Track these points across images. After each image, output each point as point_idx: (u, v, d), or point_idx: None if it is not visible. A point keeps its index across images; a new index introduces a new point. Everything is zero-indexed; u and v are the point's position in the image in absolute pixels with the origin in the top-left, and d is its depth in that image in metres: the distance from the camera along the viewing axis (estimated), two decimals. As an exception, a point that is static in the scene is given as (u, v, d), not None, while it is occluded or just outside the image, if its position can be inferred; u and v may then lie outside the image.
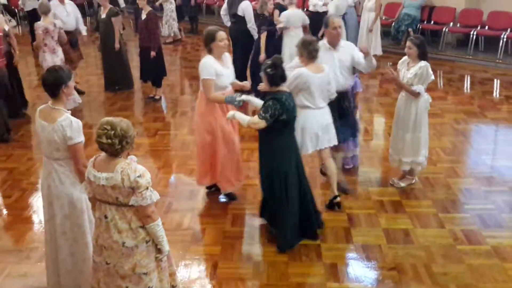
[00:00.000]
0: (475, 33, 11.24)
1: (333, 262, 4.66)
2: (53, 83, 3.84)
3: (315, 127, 5.18)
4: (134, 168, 3.29)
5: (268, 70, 4.59)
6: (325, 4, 10.74)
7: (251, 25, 8.92)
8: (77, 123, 3.82)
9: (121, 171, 3.26)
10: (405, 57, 5.70)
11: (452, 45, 12.03)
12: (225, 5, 9.39)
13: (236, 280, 4.45)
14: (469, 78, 10.25)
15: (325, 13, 10.12)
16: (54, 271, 4.12)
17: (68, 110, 3.91)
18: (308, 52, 5.06)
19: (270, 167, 4.77)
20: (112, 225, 3.37)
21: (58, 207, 3.96)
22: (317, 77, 5.06)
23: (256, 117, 4.61)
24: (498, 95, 9.35)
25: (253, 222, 5.35)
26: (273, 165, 4.73)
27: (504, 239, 4.91)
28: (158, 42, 8.89)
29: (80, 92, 9.11)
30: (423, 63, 5.48)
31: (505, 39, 10.88)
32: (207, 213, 5.56)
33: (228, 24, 9.34)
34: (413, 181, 5.92)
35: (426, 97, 5.62)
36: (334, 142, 5.38)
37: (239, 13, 8.93)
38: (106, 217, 3.40)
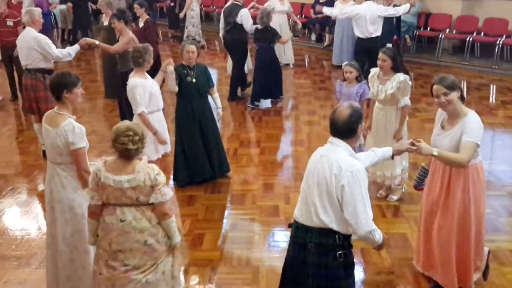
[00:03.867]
0: (471, 39, 11.30)
1: (332, 267, 4.66)
2: (55, 87, 3.91)
3: None
4: (152, 167, 3.43)
5: None
6: None
7: (250, 29, 8.99)
8: (80, 128, 3.84)
9: (142, 171, 3.37)
10: (376, 69, 5.55)
11: (448, 51, 12.09)
12: (221, 17, 9.46)
13: (235, 285, 4.46)
14: (465, 84, 10.30)
15: None
16: (54, 276, 4.12)
17: (73, 116, 3.93)
18: None
19: None
20: (131, 227, 3.40)
21: (59, 211, 3.97)
22: None
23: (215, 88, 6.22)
24: (494, 101, 9.40)
25: (253, 228, 5.36)
26: None
27: (502, 243, 4.94)
28: (156, 50, 8.91)
29: None
30: (401, 76, 5.38)
31: (500, 45, 10.94)
32: (206, 219, 5.57)
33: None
34: (403, 189, 5.83)
35: (409, 107, 5.57)
36: None
37: (238, 20, 8.99)
38: (122, 220, 3.41)
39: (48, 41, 6.74)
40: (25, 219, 5.70)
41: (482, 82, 10.39)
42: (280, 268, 4.61)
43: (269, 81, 8.96)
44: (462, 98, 3.94)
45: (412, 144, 3.71)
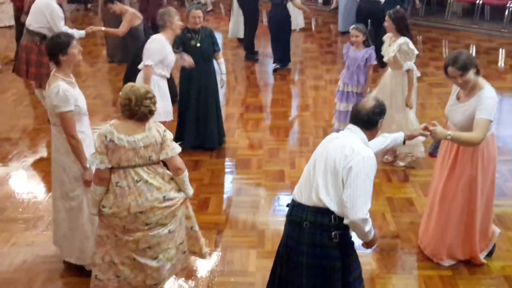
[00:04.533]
0: (480, 2, 11.07)
1: (337, 231, 4.68)
2: (50, 52, 3.88)
3: None
4: (158, 124, 3.52)
5: None
6: None
7: None
8: (65, 92, 3.76)
9: (150, 128, 3.44)
10: (389, 33, 5.56)
11: (457, 14, 11.88)
12: None
13: (240, 248, 4.49)
14: (474, 47, 10.15)
15: None
16: (55, 233, 4.26)
17: (68, 78, 3.87)
18: None
19: None
20: (148, 185, 3.43)
21: (56, 171, 4.03)
22: None
23: (221, 53, 6.14)
24: (503, 65, 9.27)
25: (258, 192, 5.37)
26: None
27: (508, 208, 4.93)
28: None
29: None
30: (402, 39, 5.33)
31: (510, 9, 10.73)
32: (212, 183, 5.58)
33: None
34: (413, 157, 5.76)
35: (416, 72, 5.48)
36: None
37: None
38: (138, 181, 3.42)
39: (61, 15, 6.64)
40: (31, 182, 5.73)
41: (491, 46, 10.23)
42: (285, 231, 4.66)
43: (279, 42, 8.89)
44: (477, 71, 3.82)
45: (426, 128, 3.64)
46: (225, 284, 4.08)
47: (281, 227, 4.68)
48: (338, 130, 5.91)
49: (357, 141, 3.13)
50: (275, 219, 4.91)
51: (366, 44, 5.85)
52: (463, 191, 3.98)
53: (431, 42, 10.55)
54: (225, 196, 5.38)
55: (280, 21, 8.73)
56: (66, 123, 3.80)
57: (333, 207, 3.03)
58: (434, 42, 10.58)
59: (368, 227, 3.03)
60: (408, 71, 5.38)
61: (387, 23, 5.42)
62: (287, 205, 3.33)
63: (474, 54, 9.93)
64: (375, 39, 8.73)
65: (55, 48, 3.84)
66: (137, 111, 3.39)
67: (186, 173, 3.60)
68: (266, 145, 6.40)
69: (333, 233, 3.06)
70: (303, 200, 3.13)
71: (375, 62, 5.89)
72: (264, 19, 11.46)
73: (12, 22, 10.29)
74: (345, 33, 11.40)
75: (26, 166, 6.05)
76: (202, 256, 3.93)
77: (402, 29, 5.37)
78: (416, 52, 5.42)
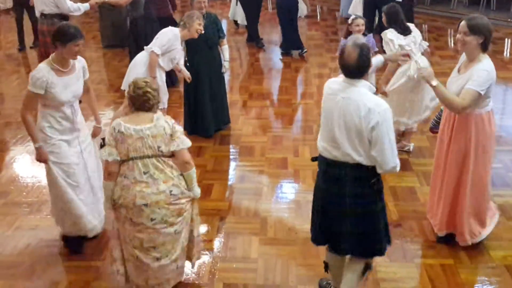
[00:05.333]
0: (487, -9, 11.01)
1: (339, 219, 4.70)
2: (53, 35, 3.96)
3: None
4: (167, 117, 3.52)
5: None
6: None
7: None
8: (38, 74, 3.88)
9: (159, 118, 3.45)
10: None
11: (464, 3, 11.80)
12: None
13: (243, 235, 4.51)
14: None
15: None
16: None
17: (57, 65, 3.93)
18: None
19: None
20: (155, 178, 3.44)
21: None
22: None
23: (225, 40, 6.14)
24: (508, 55, 9.23)
25: (261, 179, 5.38)
26: None
27: (510, 198, 4.93)
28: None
29: None
30: (386, 31, 5.36)
31: (518, -2, 10.67)
32: (215, 170, 5.59)
33: None
34: (414, 129, 5.78)
35: (408, 66, 5.27)
36: None
37: None
38: (145, 172, 3.43)
39: None
40: (35, 166, 5.72)
41: (496, 35, 10.13)
42: (288, 219, 4.69)
43: (284, 27, 8.89)
44: (484, 46, 3.76)
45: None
46: (227, 270, 4.10)
47: (284, 214, 4.76)
48: None
49: (366, 94, 3.17)
50: (278, 206, 4.93)
51: (364, 33, 5.79)
52: (456, 164, 4.00)
53: (437, 31, 10.49)
54: (228, 182, 5.40)
55: (290, 6, 8.74)
56: (25, 101, 3.97)
57: (366, 162, 3.19)
58: (439, 31, 10.52)
59: (398, 168, 3.20)
60: (386, 60, 5.35)
61: (383, 17, 5.47)
62: (313, 159, 3.46)
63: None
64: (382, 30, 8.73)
65: (58, 34, 3.90)
66: (141, 102, 3.44)
67: (194, 170, 3.58)
68: (269, 132, 6.40)
69: (371, 182, 3.25)
70: (337, 158, 3.24)
71: (376, 49, 5.83)
72: (269, 6, 11.39)
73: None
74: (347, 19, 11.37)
75: (30, 150, 6.05)
76: (190, 262, 3.90)
77: (391, 22, 5.37)
78: (399, 43, 5.28)
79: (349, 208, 3.29)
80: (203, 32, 5.52)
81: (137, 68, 5.35)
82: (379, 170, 3.19)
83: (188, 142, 3.51)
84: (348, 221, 3.32)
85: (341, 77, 3.28)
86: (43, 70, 3.88)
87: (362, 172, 3.23)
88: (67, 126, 4.07)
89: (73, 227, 4.23)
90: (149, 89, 3.45)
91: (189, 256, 3.85)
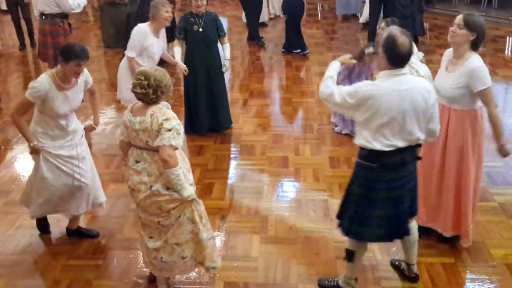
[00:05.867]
0: (489, -11, 11.00)
1: (340, 217, 4.70)
2: (60, 51, 4.01)
3: None
4: (164, 112, 3.42)
5: None
6: None
7: None
8: (39, 86, 3.91)
9: (151, 114, 3.40)
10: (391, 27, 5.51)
11: (465, 1, 11.79)
12: None
13: (243, 234, 4.52)
14: (481, 35, 10.08)
15: None
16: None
17: (57, 80, 3.96)
18: None
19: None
20: (143, 168, 3.50)
21: None
22: None
23: (226, 38, 6.04)
24: (510, 53, 9.22)
25: (262, 178, 5.38)
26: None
27: (511, 197, 4.92)
28: None
29: None
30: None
31: (519, -4, 10.65)
32: (215, 168, 5.59)
33: None
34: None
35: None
36: None
37: None
38: (137, 161, 3.52)
39: None
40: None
41: (498, 34, 10.16)
42: (288, 217, 4.70)
43: (289, 30, 8.90)
44: (475, 45, 3.78)
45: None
46: (228, 268, 4.11)
47: (284, 213, 4.76)
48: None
49: (415, 79, 3.47)
50: (278, 205, 4.93)
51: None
52: (456, 164, 3.97)
53: (438, 29, 10.47)
54: (229, 181, 5.40)
55: (295, 8, 8.75)
56: (19, 105, 4.05)
57: (423, 137, 3.41)
58: (440, 29, 10.50)
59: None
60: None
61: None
62: (376, 164, 3.39)
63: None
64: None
65: (62, 51, 3.96)
66: (139, 95, 3.44)
67: (173, 171, 3.37)
68: (270, 131, 6.40)
69: (418, 155, 3.54)
70: (400, 145, 3.34)
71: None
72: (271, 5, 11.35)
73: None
74: (345, 17, 11.36)
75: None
76: (206, 269, 3.74)
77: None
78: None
79: (408, 186, 3.49)
80: (170, 18, 5.43)
81: (124, 73, 5.42)
82: (429, 139, 3.49)
83: (167, 140, 3.35)
84: (407, 199, 3.52)
85: (381, 75, 3.31)
86: (44, 83, 3.91)
87: (416, 149, 3.46)
88: (59, 134, 4.12)
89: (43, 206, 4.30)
90: (144, 84, 3.39)
91: (199, 260, 3.72)
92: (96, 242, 4.43)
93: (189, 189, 3.47)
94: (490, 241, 4.34)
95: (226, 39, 6.11)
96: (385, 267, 4.07)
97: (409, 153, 3.40)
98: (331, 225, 4.58)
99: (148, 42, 5.34)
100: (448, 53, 4.00)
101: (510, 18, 10.67)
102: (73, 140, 4.19)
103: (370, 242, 3.74)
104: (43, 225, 4.55)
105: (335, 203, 4.89)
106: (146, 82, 3.38)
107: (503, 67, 8.29)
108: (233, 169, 5.63)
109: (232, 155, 5.89)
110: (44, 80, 3.92)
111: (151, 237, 3.68)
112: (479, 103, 3.89)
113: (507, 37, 9.97)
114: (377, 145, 3.30)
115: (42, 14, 6.70)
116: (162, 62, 5.67)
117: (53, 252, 4.35)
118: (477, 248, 4.25)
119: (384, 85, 3.26)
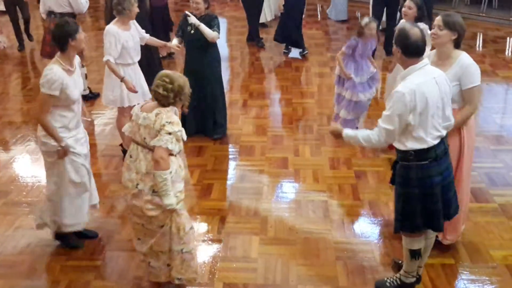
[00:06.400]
0: (489, -10, 10.98)
1: (339, 218, 4.69)
2: (61, 37, 3.92)
3: None
4: (170, 115, 3.44)
5: None
6: None
7: None
8: (54, 76, 3.85)
9: (157, 113, 3.43)
10: (403, 21, 5.51)
11: (465, 2, 11.77)
12: None
13: (243, 235, 4.50)
14: (481, 36, 10.08)
15: None
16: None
17: (66, 66, 3.94)
18: None
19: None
20: (134, 165, 3.52)
21: (42, 150, 4.17)
22: None
23: (215, 32, 5.70)
24: (510, 54, 9.21)
25: (261, 179, 5.37)
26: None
27: (511, 198, 4.92)
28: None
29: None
30: (421, 25, 5.25)
31: (519, -3, 10.64)
32: (215, 169, 5.58)
33: None
34: None
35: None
36: None
37: None
38: (131, 156, 3.56)
39: None
40: (35, 166, 5.74)
41: (498, 34, 10.15)
42: (288, 218, 4.69)
43: (289, 25, 8.88)
44: (457, 44, 3.82)
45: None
46: (227, 269, 4.10)
47: (284, 214, 4.75)
48: (337, 116, 6.02)
49: (433, 67, 3.46)
50: (278, 206, 4.92)
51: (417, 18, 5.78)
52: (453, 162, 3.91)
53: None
54: (228, 182, 5.39)
55: (297, 7, 8.75)
56: (41, 104, 3.95)
57: (453, 118, 3.53)
58: (440, 30, 10.48)
59: None
60: None
61: (411, 10, 5.30)
62: (428, 161, 3.42)
63: (481, 43, 9.87)
64: (388, 27, 8.75)
65: (65, 33, 3.91)
66: (158, 95, 3.49)
67: (162, 174, 3.36)
68: (269, 132, 6.39)
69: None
70: (444, 133, 3.44)
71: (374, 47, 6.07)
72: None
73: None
74: (341, 21, 11.36)
75: (30, 150, 6.06)
76: (172, 279, 3.72)
77: (421, 16, 5.32)
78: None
79: (452, 173, 3.60)
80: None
81: (107, 77, 5.40)
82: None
83: (164, 142, 3.35)
84: (452, 185, 3.60)
85: (407, 72, 3.36)
86: (57, 72, 3.88)
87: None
88: (75, 123, 4.12)
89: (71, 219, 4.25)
90: (169, 87, 3.43)
91: (170, 273, 3.70)
92: (95, 243, 4.42)
93: (171, 198, 3.43)
94: (490, 242, 4.33)
95: (215, 33, 5.72)
96: (385, 268, 4.06)
97: (445, 141, 3.51)
98: (330, 226, 4.58)
99: (121, 41, 5.25)
100: (429, 57, 3.90)
101: (511, 18, 10.66)
102: (84, 133, 4.22)
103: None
104: (69, 236, 4.40)
105: (335, 204, 4.90)
106: (171, 86, 3.42)
107: (503, 67, 8.28)
108: (233, 170, 5.61)
109: (231, 156, 5.88)
110: (55, 70, 3.88)
111: (138, 239, 3.72)
112: None
113: (508, 38, 9.96)
114: (432, 141, 3.38)
115: (50, 12, 6.71)
116: (161, 62, 5.65)
117: (52, 253, 4.33)
118: (477, 249, 4.24)
119: (420, 78, 3.33)
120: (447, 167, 3.52)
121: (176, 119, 3.46)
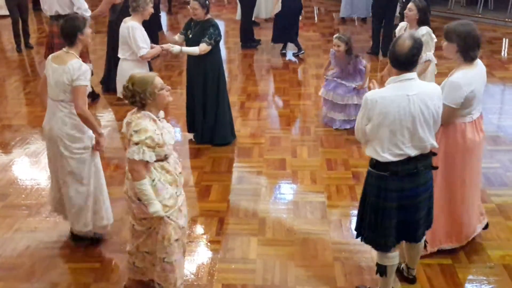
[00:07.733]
0: (485, -9, 11.03)
1: (337, 219, 4.71)
2: (71, 31, 4.01)
3: None
4: (138, 122, 3.30)
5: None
6: None
7: None
8: (86, 67, 3.98)
9: (127, 122, 3.40)
10: (403, 23, 5.57)
11: (461, 3, 11.82)
12: None
13: (241, 236, 4.52)
14: (477, 37, 10.11)
15: None
16: (57, 199, 4.41)
17: (79, 58, 4.04)
18: None
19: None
20: (126, 170, 3.53)
21: (61, 147, 4.10)
22: None
23: (203, 44, 5.49)
24: (506, 55, 9.25)
25: (259, 180, 5.39)
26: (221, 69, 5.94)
27: (508, 198, 4.94)
28: None
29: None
30: (424, 29, 5.33)
31: (515, -2, 10.68)
32: (213, 171, 5.60)
33: None
34: None
35: (434, 62, 5.53)
36: None
37: None
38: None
39: None
40: (34, 169, 5.76)
41: (494, 35, 10.19)
42: (286, 219, 4.70)
43: (285, 24, 8.92)
44: (463, 55, 3.69)
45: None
46: (226, 271, 4.11)
47: (282, 215, 4.76)
48: (326, 116, 6.26)
49: (423, 83, 3.33)
50: (276, 207, 4.94)
51: (348, 52, 6.07)
52: (440, 174, 3.88)
53: (434, 32, 10.44)
54: (226, 184, 5.40)
55: (294, 8, 8.81)
56: (80, 96, 3.96)
57: (436, 144, 3.39)
58: (437, 31, 10.38)
59: None
60: (426, 61, 5.39)
61: (411, 12, 5.33)
62: (388, 173, 3.33)
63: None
64: (386, 28, 8.77)
65: (75, 27, 3.99)
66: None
67: (137, 185, 3.31)
68: (267, 133, 6.41)
69: (433, 165, 3.47)
70: (412, 153, 3.28)
71: (364, 65, 6.23)
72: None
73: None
74: (344, 19, 11.39)
75: (29, 153, 6.07)
76: (153, 284, 3.73)
77: (424, 19, 5.35)
78: (435, 40, 5.43)
79: (423, 196, 3.42)
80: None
81: (122, 72, 5.45)
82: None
83: (131, 155, 3.25)
84: (421, 208, 3.44)
85: (389, 81, 3.26)
86: (83, 64, 4.00)
87: (429, 156, 3.40)
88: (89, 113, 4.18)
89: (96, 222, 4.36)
90: (125, 87, 3.38)
91: (154, 273, 3.68)
92: (94, 245, 4.43)
93: (156, 206, 3.33)
94: (487, 242, 4.35)
95: (203, 45, 5.54)
96: (382, 269, 4.07)
97: (423, 161, 3.33)
98: (328, 227, 4.59)
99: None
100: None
101: (506, 19, 10.71)
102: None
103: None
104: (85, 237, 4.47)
105: (333, 205, 4.92)
106: (126, 85, 3.39)
107: (499, 68, 8.31)
108: (231, 172, 5.63)
109: (229, 158, 5.90)
110: (81, 62, 3.98)
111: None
112: (465, 118, 3.78)
113: (504, 39, 10.00)
114: (388, 157, 3.26)
115: (56, 15, 6.71)
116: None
117: (51, 256, 4.34)
118: (475, 249, 4.26)
119: (391, 90, 3.22)
120: (413, 189, 3.36)
121: (144, 126, 3.26)
